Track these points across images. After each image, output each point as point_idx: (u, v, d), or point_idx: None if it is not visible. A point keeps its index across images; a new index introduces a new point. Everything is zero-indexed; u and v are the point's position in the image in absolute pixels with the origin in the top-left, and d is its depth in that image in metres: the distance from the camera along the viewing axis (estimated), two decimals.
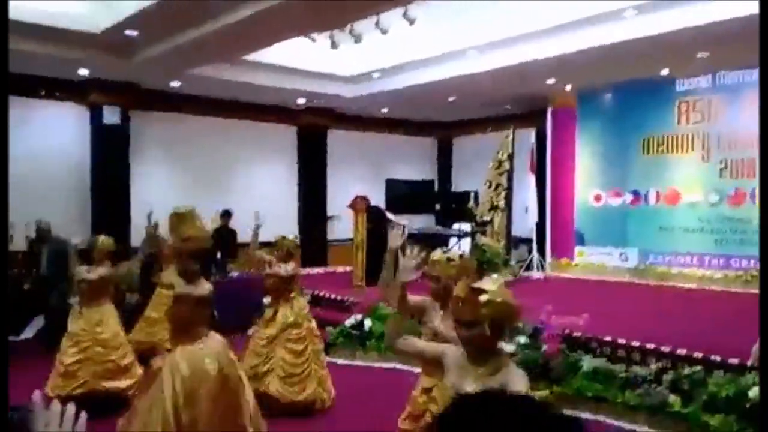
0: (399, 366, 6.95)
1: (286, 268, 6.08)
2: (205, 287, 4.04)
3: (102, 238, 6.29)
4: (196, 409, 3.60)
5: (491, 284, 2.41)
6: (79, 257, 6.40)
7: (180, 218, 5.09)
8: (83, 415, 1.17)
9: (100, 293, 6.01)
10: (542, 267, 11.77)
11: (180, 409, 3.54)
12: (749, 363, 5.24)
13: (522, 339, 6.42)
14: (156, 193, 11.29)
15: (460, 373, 2.47)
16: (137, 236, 10.75)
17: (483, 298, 2.34)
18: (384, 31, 8.35)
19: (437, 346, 2.80)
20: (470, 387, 2.34)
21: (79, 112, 10.74)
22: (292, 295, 6.13)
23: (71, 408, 1.17)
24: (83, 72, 9.84)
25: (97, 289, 5.95)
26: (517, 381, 2.41)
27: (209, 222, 8.12)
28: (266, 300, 9.38)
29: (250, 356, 5.90)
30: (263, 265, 6.18)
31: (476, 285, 2.39)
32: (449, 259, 3.58)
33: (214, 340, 3.87)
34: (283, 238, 6.31)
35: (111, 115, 10.71)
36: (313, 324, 6.21)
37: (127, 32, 8.32)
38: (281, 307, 6.02)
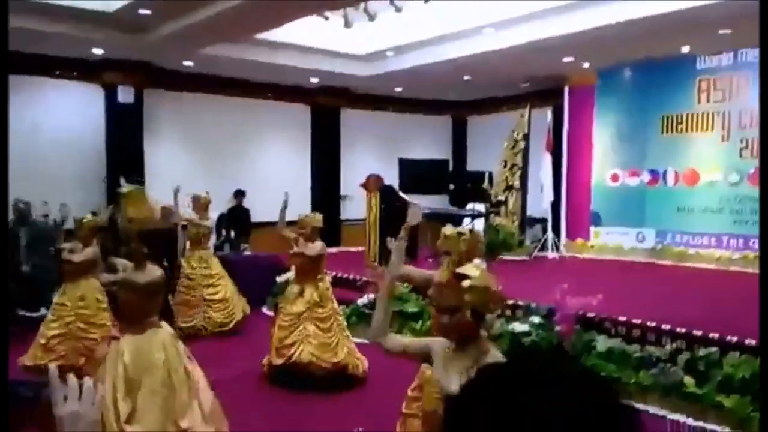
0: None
1: (314, 248, 6.06)
2: (153, 273, 3.68)
3: (88, 217, 6.31)
4: (135, 401, 3.41)
5: (474, 270, 2.39)
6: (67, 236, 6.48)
7: (126, 198, 4.58)
8: (100, 388, 1.17)
9: (87, 271, 6.00)
10: (557, 247, 11.69)
11: (119, 400, 3.35)
12: None
13: (536, 319, 6.39)
14: (170, 172, 11.34)
15: (445, 367, 2.44)
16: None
17: (466, 283, 2.32)
18: (398, 9, 8.27)
19: (421, 340, 2.74)
20: (455, 384, 2.30)
21: (93, 92, 10.78)
22: (319, 276, 6.13)
23: (88, 381, 1.16)
24: (97, 51, 9.86)
25: (84, 269, 5.96)
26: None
27: (189, 202, 8.19)
28: (279, 278, 9.46)
29: (279, 330, 5.99)
30: (290, 244, 6.17)
31: (459, 270, 2.38)
32: (460, 234, 3.57)
33: (164, 332, 3.65)
34: (307, 216, 6.32)
35: (125, 95, 10.75)
36: (336, 304, 6.23)
37: (141, 11, 8.31)
38: (308, 286, 6.02)
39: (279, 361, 5.90)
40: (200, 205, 8.28)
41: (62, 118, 10.44)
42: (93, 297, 6.01)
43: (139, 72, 10.72)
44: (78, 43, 9.31)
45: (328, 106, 13.51)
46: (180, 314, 7.70)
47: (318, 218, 6.31)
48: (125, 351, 3.46)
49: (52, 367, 1.18)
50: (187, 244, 8.22)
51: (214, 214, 10.00)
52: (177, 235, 9.38)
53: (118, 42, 9.30)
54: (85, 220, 6.25)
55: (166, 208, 9.54)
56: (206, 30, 8.59)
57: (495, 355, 2.39)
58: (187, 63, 10.75)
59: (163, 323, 3.70)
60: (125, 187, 4.30)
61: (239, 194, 11.38)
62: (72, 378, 1.15)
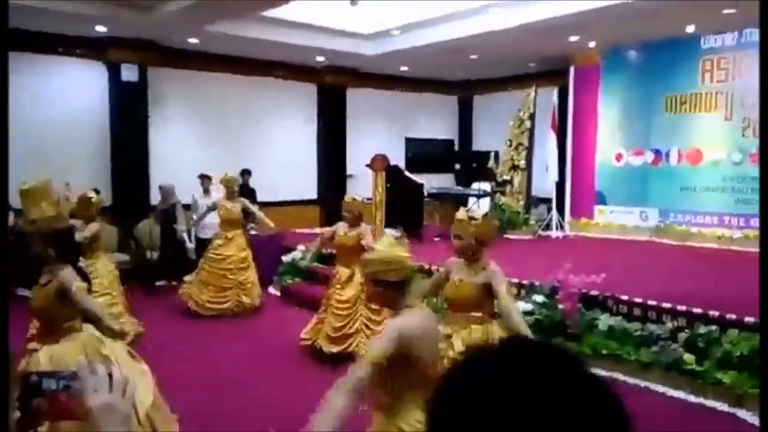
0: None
1: (365, 236, 6.02)
2: (66, 276, 3.42)
3: (93, 195, 6.51)
4: None
5: (478, 213, 4.04)
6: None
7: (26, 196, 3.81)
8: (131, 379, 1.14)
9: (93, 248, 6.18)
10: (562, 226, 11.76)
11: None
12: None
13: (539, 298, 6.49)
14: (175, 151, 11.45)
15: (459, 272, 3.92)
16: (156, 195, 10.93)
17: (473, 221, 3.87)
18: None
19: (439, 270, 4.07)
20: (463, 275, 3.88)
21: (97, 70, 10.77)
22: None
23: (117, 371, 1.12)
24: (101, 29, 9.84)
25: (89, 245, 6.10)
26: (498, 279, 3.82)
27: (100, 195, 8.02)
28: (285, 258, 9.55)
29: (335, 318, 5.98)
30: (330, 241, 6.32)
31: (469, 213, 3.97)
32: (471, 218, 3.88)
33: (85, 336, 3.40)
34: (353, 199, 6.27)
35: (129, 73, 10.73)
36: None
37: None
38: (357, 269, 5.88)
39: (334, 349, 5.89)
40: (228, 186, 8.26)
41: (65, 97, 10.43)
42: (103, 274, 6.16)
43: (143, 50, 10.70)
44: (81, 21, 9.28)
45: (334, 85, 13.50)
46: (208, 294, 7.88)
47: (360, 201, 6.32)
48: (43, 361, 3.23)
49: (81, 357, 1.17)
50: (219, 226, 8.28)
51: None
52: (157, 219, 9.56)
53: (122, 19, 9.27)
54: (93, 199, 6.38)
55: (164, 187, 9.62)
56: (212, 7, 8.58)
57: (496, 269, 3.86)
58: (193, 40, 10.74)
59: (87, 326, 3.45)
60: (26, 184, 3.62)
61: (245, 173, 11.43)
62: (101, 368, 1.12)
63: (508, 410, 0.71)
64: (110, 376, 1.10)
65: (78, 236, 5.76)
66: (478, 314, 3.90)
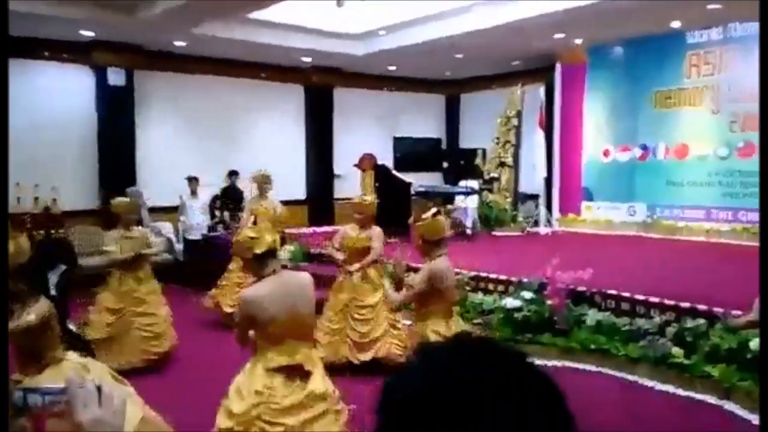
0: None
1: (378, 236, 5.83)
2: (37, 309, 3.26)
3: (121, 199, 6.45)
4: None
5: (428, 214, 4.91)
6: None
7: None
8: (121, 391, 1.12)
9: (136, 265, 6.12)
10: (550, 222, 11.80)
11: None
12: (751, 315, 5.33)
13: (528, 294, 6.50)
14: (163, 153, 11.40)
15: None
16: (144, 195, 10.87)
17: (418, 224, 4.40)
18: None
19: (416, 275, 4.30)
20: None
21: (83, 74, 10.72)
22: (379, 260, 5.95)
23: (106, 385, 1.10)
24: (87, 33, 9.80)
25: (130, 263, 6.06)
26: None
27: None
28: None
29: (360, 324, 5.74)
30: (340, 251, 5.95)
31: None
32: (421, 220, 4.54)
33: (70, 365, 3.25)
34: (364, 201, 5.98)
35: (116, 76, 10.69)
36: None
37: None
38: (371, 270, 5.83)
39: (363, 357, 5.66)
40: (260, 183, 7.82)
41: (52, 101, 10.37)
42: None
43: (129, 53, 10.67)
44: (67, 25, 9.24)
45: (321, 86, 13.48)
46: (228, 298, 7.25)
47: (372, 201, 6.02)
48: None
49: (70, 372, 1.13)
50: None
51: (206, 195, 10.08)
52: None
53: (108, 23, 9.23)
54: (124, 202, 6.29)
55: (131, 191, 9.31)
56: (197, 9, 8.55)
57: (437, 260, 4.14)
58: (179, 43, 10.70)
59: (70, 354, 3.36)
60: None
61: (232, 174, 11.39)
62: (89, 383, 1.08)
63: (454, 407, 0.73)
64: (99, 389, 1.07)
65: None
66: None
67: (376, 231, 5.86)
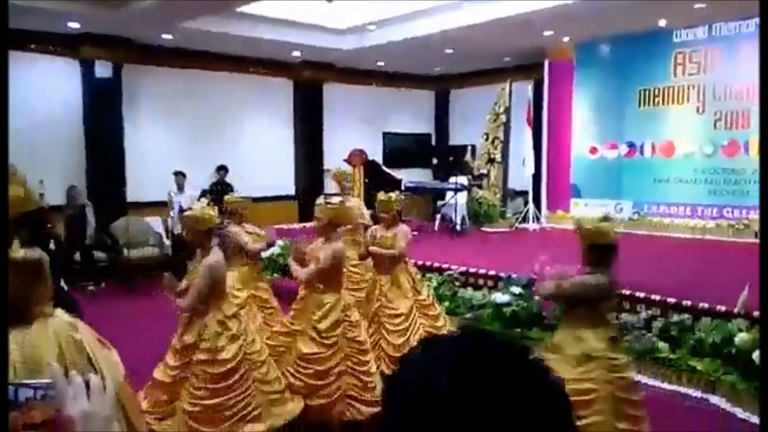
0: None
1: (404, 234, 5.33)
2: (29, 251, 3.25)
3: (234, 195, 6.41)
4: None
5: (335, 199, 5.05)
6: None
7: None
8: (109, 382, 1.11)
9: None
10: (538, 219, 11.88)
11: None
12: (735, 310, 5.42)
13: (516, 289, 6.56)
14: (150, 147, 11.35)
15: (317, 251, 4.52)
16: (132, 192, 10.83)
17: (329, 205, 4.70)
18: None
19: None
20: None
21: (70, 67, 10.62)
22: (405, 260, 5.48)
23: (93, 377, 1.09)
24: (74, 25, 9.73)
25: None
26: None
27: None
28: (264, 253, 9.51)
29: (391, 336, 5.18)
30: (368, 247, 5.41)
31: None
32: (328, 203, 4.74)
33: (57, 321, 3.25)
34: (390, 198, 5.48)
35: (103, 69, 10.60)
36: (423, 295, 5.52)
37: None
38: (402, 276, 5.36)
39: None
40: (340, 181, 7.29)
41: (38, 94, 10.25)
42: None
43: (117, 46, 10.57)
44: (54, 17, 9.16)
45: (311, 80, 13.47)
46: None
47: (398, 198, 5.56)
48: (12, 349, 3.00)
49: (55, 365, 1.12)
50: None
51: (195, 191, 10.05)
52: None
53: (96, 16, 9.16)
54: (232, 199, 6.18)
55: (71, 188, 9.32)
56: (185, 3, 8.52)
57: (338, 242, 4.58)
58: (167, 37, 10.64)
59: (58, 311, 3.32)
60: None
61: (221, 169, 11.40)
62: (76, 375, 1.08)
63: (459, 401, 0.74)
64: (87, 383, 1.08)
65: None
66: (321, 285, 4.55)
67: (403, 229, 5.40)
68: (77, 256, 9.12)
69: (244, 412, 3.97)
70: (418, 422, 0.75)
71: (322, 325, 4.42)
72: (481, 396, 0.74)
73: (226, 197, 6.12)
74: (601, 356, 3.57)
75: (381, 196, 5.57)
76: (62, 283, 5.10)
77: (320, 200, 4.73)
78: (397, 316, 5.21)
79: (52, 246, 5.51)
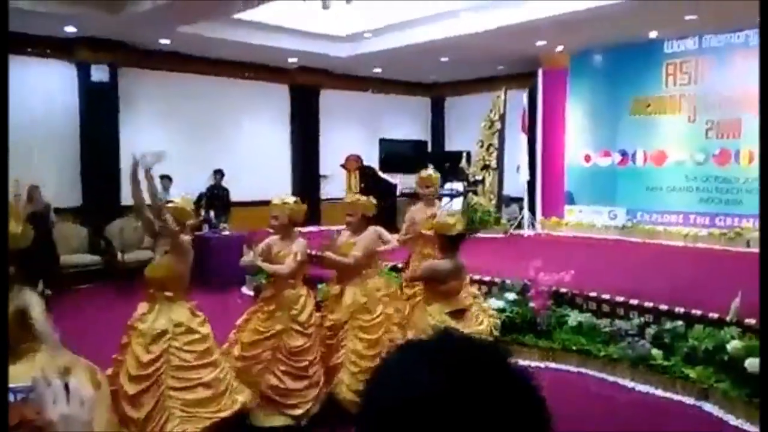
0: None
1: (364, 245, 5.02)
2: (26, 299, 3.38)
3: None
4: None
5: (290, 199, 4.85)
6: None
7: None
8: (88, 386, 1.14)
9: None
10: (533, 225, 11.94)
11: None
12: (728, 317, 5.48)
13: (511, 295, 6.61)
14: (146, 151, 11.31)
15: (276, 245, 4.77)
16: (127, 195, 10.80)
17: (286, 205, 4.77)
18: None
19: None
20: (280, 248, 4.72)
21: (67, 70, 10.60)
22: (364, 272, 5.08)
23: (73, 381, 1.12)
24: (71, 29, 9.73)
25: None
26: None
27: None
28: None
29: (361, 345, 4.94)
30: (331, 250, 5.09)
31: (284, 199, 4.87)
32: (285, 203, 4.78)
33: (43, 357, 3.29)
34: (357, 199, 5.21)
35: (99, 73, 10.59)
36: (392, 309, 5.18)
37: None
38: (348, 287, 5.01)
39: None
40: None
41: (34, 96, 10.22)
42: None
43: (114, 50, 10.56)
44: (51, 20, 9.13)
45: (307, 86, 13.50)
46: None
47: (368, 202, 5.20)
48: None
49: (35, 371, 1.16)
50: None
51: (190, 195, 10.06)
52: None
53: (93, 19, 9.15)
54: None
55: (31, 187, 9.09)
56: (182, 8, 8.52)
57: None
58: (164, 41, 10.66)
59: (42, 349, 3.36)
60: None
61: (218, 173, 11.41)
62: (56, 380, 1.10)
63: (437, 400, 0.75)
64: (66, 387, 1.10)
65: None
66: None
67: (367, 235, 5.12)
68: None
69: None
70: (396, 425, 0.75)
71: (303, 317, 4.62)
72: (459, 399, 0.74)
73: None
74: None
75: (348, 198, 5.40)
76: (41, 286, 5.08)
77: (277, 200, 4.76)
78: (370, 327, 4.89)
79: None
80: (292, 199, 4.84)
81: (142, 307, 4.23)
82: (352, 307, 4.92)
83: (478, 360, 0.80)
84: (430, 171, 5.96)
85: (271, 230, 4.87)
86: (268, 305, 4.67)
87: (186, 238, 4.28)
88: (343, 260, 4.97)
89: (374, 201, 5.25)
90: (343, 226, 5.29)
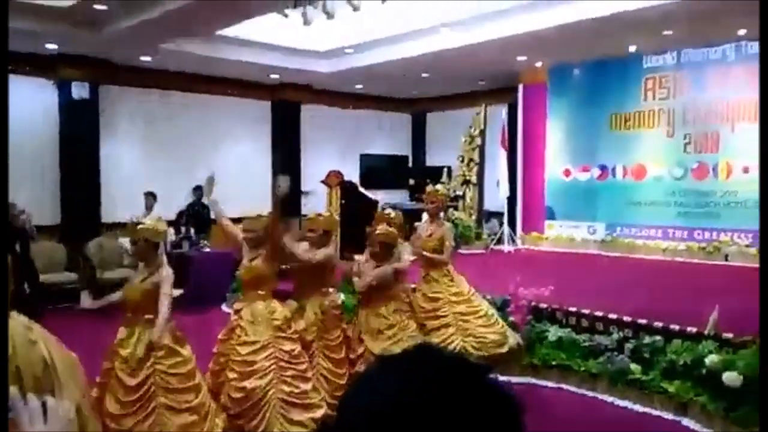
0: None
1: (325, 252, 5.05)
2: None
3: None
4: None
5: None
6: None
7: None
8: (66, 404, 1.12)
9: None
10: (513, 240, 11.98)
11: None
12: (706, 331, 5.52)
13: (491, 311, 6.59)
14: (127, 168, 11.29)
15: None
16: (107, 213, 10.74)
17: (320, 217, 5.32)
18: (355, 8, 8.35)
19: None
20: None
21: (47, 88, 10.53)
22: (324, 289, 5.11)
23: (51, 400, 1.10)
24: (51, 46, 9.69)
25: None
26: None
27: None
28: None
29: (329, 362, 4.96)
30: (290, 253, 4.99)
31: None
32: (319, 215, 5.29)
33: (13, 326, 3.26)
34: (319, 215, 5.33)
35: (80, 90, 10.53)
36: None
37: (96, 6, 8.21)
38: (308, 304, 5.01)
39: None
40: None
41: (15, 114, 10.12)
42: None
43: (94, 67, 10.53)
44: (31, 38, 9.08)
45: (288, 102, 13.51)
46: None
47: (330, 217, 5.42)
48: None
49: (13, 389, 1.11)
50: None
51: (169, 212, 10.02)
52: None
53: (73, 37, 9.12)
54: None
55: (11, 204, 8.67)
56: (164, 26, 8.51)
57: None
58: (145, 58, 10.63)
59: (13, 314, 3.35)
60: None
61: (198, 190, 11.33)
62: (32, 398, 1.09)
63: (409, 423, 0.75)
64: (44, 405, 1.09)
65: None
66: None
67: (328, 249, 5.16)
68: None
69: None
70: None
71: (284, 325, 4.62)
72: (428, 412, 0.75)
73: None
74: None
75: (312, 214, 5.47)
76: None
77: (251, 215, 4.89)
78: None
79: None
80: (266, 212, 4.85)
81: (122, 332, 4.17)
82: (314, 325, 4.92)
83: (452, 371, 0.81)
84: (437, 186, 6.19)
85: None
86: (245, 317, 4.60)
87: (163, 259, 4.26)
88: (302, 256, 4.96)
89: (338, 218, 5.59)
90: None
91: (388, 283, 5.14)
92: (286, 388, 4.44)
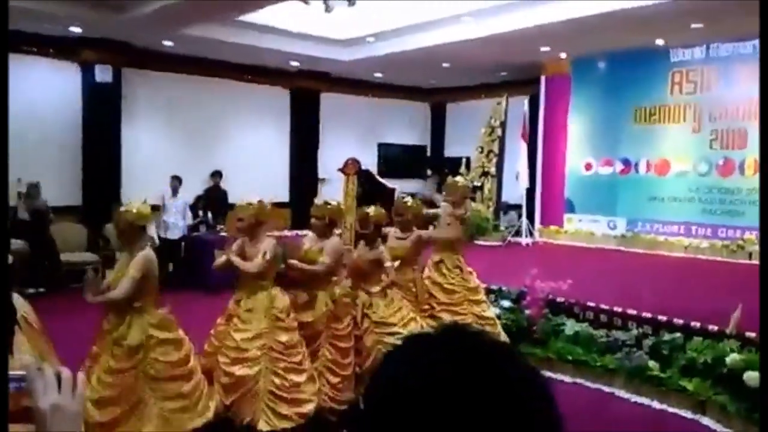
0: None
1: (333, 246, 4.94)
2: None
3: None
4: None
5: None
6: None
7: None
8: (80, 376, 1.12)
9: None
10: (531, 233, 11.87)
11: None
12: (728, 330, 5.41)
13: (506, 303, 6.54)
14: (147, 151, 11.35)
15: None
16: (127, 195, 10.78)
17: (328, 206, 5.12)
18: (351, 3, 8.29)
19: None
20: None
21: (71, 70, 10.62)
22: (335, 278, 5.05)
23: (65, 371, 1.11)
24: (75, 30, 9.73)
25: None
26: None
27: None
28: None
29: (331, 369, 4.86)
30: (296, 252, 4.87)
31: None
32: (327, 204, 5.10)
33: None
34: (326, 203, 5.12)
35: (103, 74, 10.60)
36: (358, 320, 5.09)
37: None
38: (319, 294, 4.89)
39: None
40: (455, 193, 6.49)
41: (37, 96, 10.23)
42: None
43: (117, 51, 10.59)
44: (55, 21, 9.17)
45: (307, 90, 13.48)
46: None
47: (337, 206, 5.24)
48: None
49: (28, 357, 1.13)
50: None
51: (188, 195, 10.06)
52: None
53: (97, 20, 9.17)
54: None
55: (31, 184, 9.00)
56: (187, 10, 8.53)
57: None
58: (167, 43, 10.65)
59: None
60: None
61: (216, 175, 11.36)
62: (48, 369, 1.10)
63: (444, 395, 0.73)
64: (58, 376, 1.09)
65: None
66: None
67: (332, 242, 4.99)
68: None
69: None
70: (392, 415, 0.74)
71: (282, 314, 4.57)
72: (463, 387, 0.73)
73: None
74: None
75: (316, 201, 5.32)
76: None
77: (241, 203, 4.78)
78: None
79: None
80: (255, 200, 4.79)
81: (111, 319, 4.11)
82: (324, 315, 4.83)
83: (486, 349, 0.79)
84: (457, 178, 6.36)
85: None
86: (244, 307, 4.58)
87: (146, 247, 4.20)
88: (312, 269, 4.81)
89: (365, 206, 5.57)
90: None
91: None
92: (277, 380, 4.42)
